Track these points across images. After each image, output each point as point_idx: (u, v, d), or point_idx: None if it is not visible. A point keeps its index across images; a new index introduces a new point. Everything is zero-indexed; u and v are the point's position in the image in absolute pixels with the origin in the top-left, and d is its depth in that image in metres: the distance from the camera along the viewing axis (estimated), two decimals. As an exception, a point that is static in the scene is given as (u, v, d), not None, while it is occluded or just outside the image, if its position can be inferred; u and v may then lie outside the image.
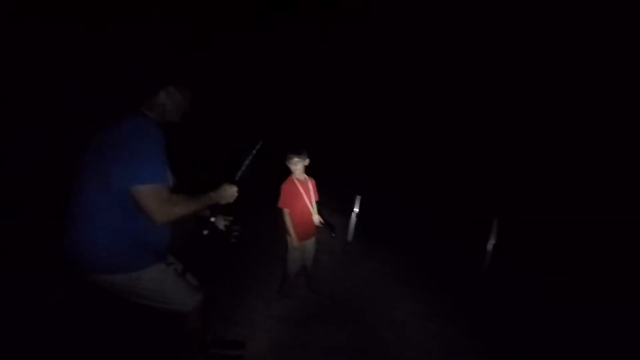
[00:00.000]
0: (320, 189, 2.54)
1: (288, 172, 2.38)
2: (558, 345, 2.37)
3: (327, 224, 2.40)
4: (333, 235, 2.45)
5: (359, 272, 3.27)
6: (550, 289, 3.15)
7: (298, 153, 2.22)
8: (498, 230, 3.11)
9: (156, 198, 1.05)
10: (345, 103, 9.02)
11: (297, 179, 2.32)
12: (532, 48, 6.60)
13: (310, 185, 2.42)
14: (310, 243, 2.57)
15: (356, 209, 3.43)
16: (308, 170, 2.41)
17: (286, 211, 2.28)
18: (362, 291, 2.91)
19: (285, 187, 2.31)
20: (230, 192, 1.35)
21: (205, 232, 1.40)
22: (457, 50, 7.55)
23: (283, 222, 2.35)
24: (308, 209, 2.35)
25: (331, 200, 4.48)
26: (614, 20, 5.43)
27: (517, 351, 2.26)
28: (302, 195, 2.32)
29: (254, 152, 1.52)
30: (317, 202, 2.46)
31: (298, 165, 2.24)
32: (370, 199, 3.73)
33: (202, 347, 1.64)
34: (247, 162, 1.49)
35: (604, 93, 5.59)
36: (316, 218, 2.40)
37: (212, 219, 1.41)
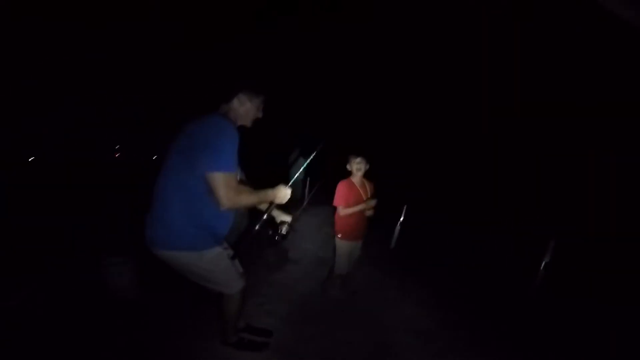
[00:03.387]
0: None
1: (342, 174, 2.38)
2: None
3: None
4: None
5: (397, 280, 3.27)
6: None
7: (362, 155, 2.26)
8: (553, 248, 2.83)
9: (227, 185, 1.23)
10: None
11: (355, 181, 2.33)
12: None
13: (369, 188, 2.40)
14: (358, 246, 2.56)
15: (401, 218, 3.47)
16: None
17: (340, 209, 2.29)
18: (394, 299, 2.86)
19: (342, 186, 2.31)
20: (284, 193, 1.47)
21: (257, 227, 1.53)
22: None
23: (335, 222, 2.38)
24: (363, 211, 2.34)
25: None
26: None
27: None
28: (359, 193, 2.33)
29: (311, 157, 1.62)
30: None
31: (361, 166, 2.28)
32: (414, 207, 3.74)
33: (236, 330, 1.83)
34: (304, 166, 1.61)
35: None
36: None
37: (265, 216, 1.53)
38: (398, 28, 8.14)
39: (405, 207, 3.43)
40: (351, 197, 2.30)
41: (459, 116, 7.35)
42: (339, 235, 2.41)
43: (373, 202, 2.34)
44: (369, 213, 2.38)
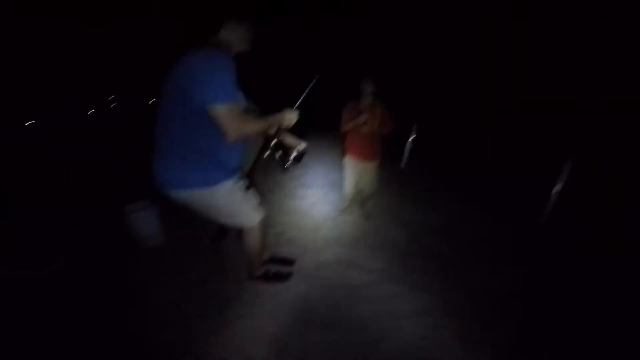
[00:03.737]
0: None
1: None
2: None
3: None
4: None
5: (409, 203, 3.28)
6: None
7: (370, 75, 2.34)
8: (570, 170, 2.51)
9: (230, 115, 1.19)
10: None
11: (364, 102, 2.41)
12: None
13: (379, 109, 2.41)
14: (368, 168, 2.58)
15: (413, 136, 3.31)
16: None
17: (343, 126, 2.42)
18: (409, 223, 2.86)
19: (346, 108, 2.43)
20: (291, 116, 1.46)
21: (267, 153, 1.54)
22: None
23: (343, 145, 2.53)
24: (367, 132, 2.39)
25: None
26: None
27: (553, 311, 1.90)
28: (364, 117, 2.36)
29: (312, 83, 1.65)
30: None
31: (366, 87, 2.34)
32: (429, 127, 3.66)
33: (261, 264, 1.85)
34: (306, 91, 1.62)
35: None
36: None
37: (274, 141, 1.53)
38: (398, 28, 8.15)
39: (415, 125, 3.35)
40: (353, 116, 2.37)
41: (459, 116, 7.34)
42: (345, 154, 2.57)
43: (362, 118, 2.34)
44: (364, 129, 2.38)
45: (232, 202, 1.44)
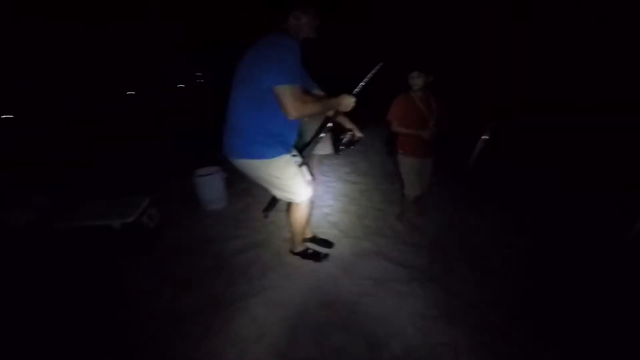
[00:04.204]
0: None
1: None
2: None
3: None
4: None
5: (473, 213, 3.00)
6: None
7: (418, 68, 2.14)
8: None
9: (292, 96, 1.31)
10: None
11: (415, 95, 2.19)
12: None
13: (434, 102, 2.22)
14: (428, 163, 2.38)
15: (487, 135, 2.97)
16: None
17: (393, 125, 2.23)
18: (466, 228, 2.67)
19: (397, 100, 2.23)
20: (348, 101, 1.53)
21: (322, 134, 1.65)
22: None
23: (396, 137, 2.32)
24: (425, 125, 2.18)
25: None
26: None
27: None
28: (419, 109, 2.18)
29: (374, 71, 1.67)
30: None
31: (416, 81, 2.14)
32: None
33: (302, 241, 1.99)
34: (366, 79, 1.65)
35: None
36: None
37: (330, 124, 1.63)
38: (398, 28, 8.15)
39: (492, 124, 2.92)
40: (408, 112, 2.16)
41: (459, 116, 7.35)
42: (401, 151, 2.32)
43: (426, 133, 2.15)
44: (426, 134, 2.18)
45: (284, 174, 1.55)
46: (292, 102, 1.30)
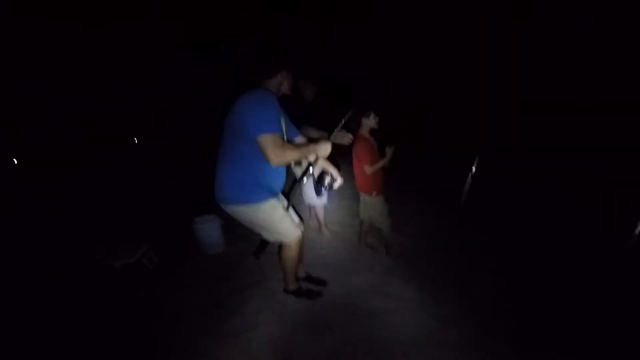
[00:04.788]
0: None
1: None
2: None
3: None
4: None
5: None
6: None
7: (373, 111, 2.36)
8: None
9: (273, 143, 1.42)
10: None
11: (366, 136, 2.40)
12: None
13: (374, 142, 2.45)
14: (373, 201, 2.58)
15: (473, 170, 3.15)
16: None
17: (367, 167, 2.36)
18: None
19: (365, 145, 2.36)
20: (325, 147, 1.64)
21: (304, 178, 1.74)
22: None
23: (362, 182, 2.47)
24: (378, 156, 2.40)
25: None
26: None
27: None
28: (376, 150, 2.38)
29: (345, 118, 1.85)
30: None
31: (373, 120, 2.35)
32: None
33: (295, 279, 2.04)
34: (339, 126, 1.82)
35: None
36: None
37: (311, 169, 1.74)
38: (398, 28, 8.15)
39: (477, 158, 3.14)
40: (373, 153, 2.34)
41: (459, 116, 7.35)
42: (374, 193, 2.44)
43: (387, 159, 2.35)
44: (388, 161, 2.40)
45: (272, 218, 1.65)
46: (273, 149, 1.41)
